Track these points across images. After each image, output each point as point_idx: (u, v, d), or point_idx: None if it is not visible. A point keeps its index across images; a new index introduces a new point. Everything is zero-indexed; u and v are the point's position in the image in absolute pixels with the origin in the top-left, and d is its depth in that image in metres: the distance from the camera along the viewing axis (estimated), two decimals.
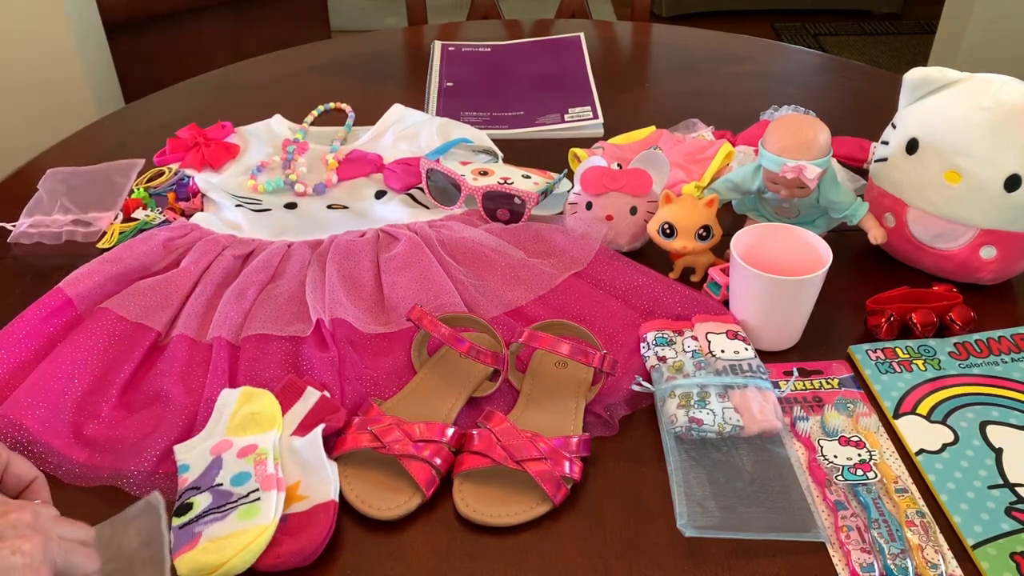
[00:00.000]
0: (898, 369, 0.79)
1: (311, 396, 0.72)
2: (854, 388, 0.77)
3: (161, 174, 1.07)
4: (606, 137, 1.15)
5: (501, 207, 0.95)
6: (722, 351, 0.77)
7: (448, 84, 1.31)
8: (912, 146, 0.86)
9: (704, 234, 0.86)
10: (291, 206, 1.01)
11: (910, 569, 0.61)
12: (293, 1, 2.68)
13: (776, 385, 0.76)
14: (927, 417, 0.74)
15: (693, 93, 1.27)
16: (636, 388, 0.74)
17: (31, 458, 0.70)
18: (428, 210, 0.99)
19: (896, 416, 0.74)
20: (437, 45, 1.43)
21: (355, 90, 1.29)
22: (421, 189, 1.01)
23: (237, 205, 0.99)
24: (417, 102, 1.24)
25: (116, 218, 1.00)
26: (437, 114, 1.22)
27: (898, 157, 0.88)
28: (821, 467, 0.69)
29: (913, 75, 0.87)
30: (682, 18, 3.47)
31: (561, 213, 0.96)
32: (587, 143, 1.12)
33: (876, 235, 0.87)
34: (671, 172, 0.96)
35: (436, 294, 0.84)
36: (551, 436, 0.69)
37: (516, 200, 0.94)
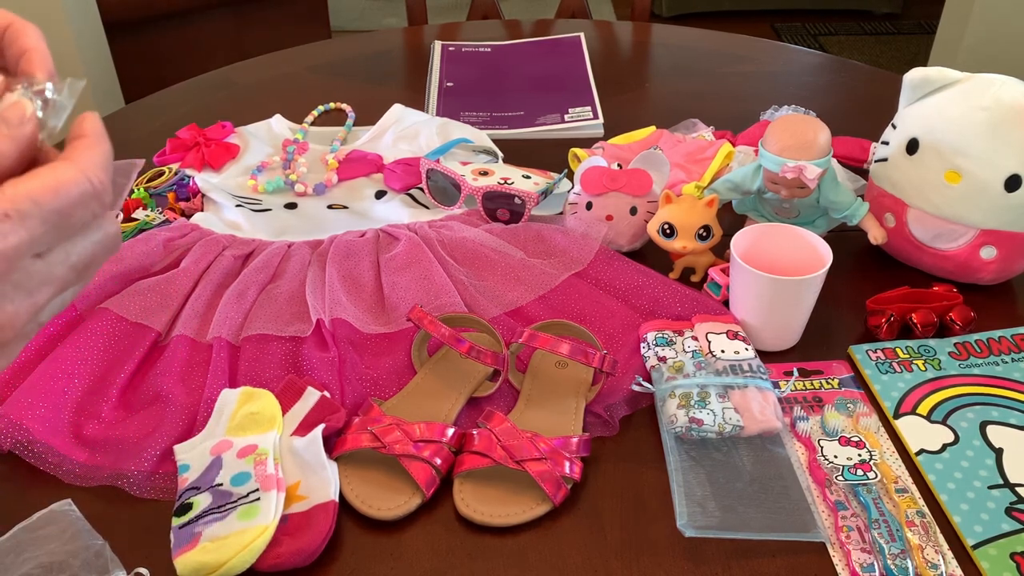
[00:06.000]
0: (898, 369, 0.79)
1: (311, 396, 0.72)
2: (854, 388, 0.77)
3: (161, 174, 1.07)
4: (606, 137, 1.14)
5: (501, 207, 0.95)
6: (722, 351, 0.77)
7: (448, 84, 1.31)
8: (912, 146, 0.86)
9: (704, 234, 0.86)
10: (291, 206, 1.01)
11: (910, 569, 0.61)
12: (293, 1, 2.68)
13: (776, 385, 0.76)
14: (927, 417, 0.74)
15: (693, 93, 1.27)
16: (636, 388, 0.74)
17: (31, 458, 0.70)
18: (428, 210, 0.99)
19: (896, 416, 0.74)
20: (437, 45, 1.43)
21: (355, 90, 1.29)
22: (421, 189, 1.01)
23: (237, 205, 0.99)
24: (417, 102, 1.24)
25: (116, 218, 1.00)
26: (437, 114, 1.22)
27: (898, 157, 0.88)
28: (821, 467, 0.69)
29: (913, 75, 0.87)
30: (682, 18, 3.48)
31: (561, 213, 0.96)
32: (587, 143, 1.12)
33: (876, 235, 0.87)
34: (671, 172, 0.96)
35: (436, 294, 0.84)
36: (551, 436, 0.69)
37: (516, 200, 0.94)
